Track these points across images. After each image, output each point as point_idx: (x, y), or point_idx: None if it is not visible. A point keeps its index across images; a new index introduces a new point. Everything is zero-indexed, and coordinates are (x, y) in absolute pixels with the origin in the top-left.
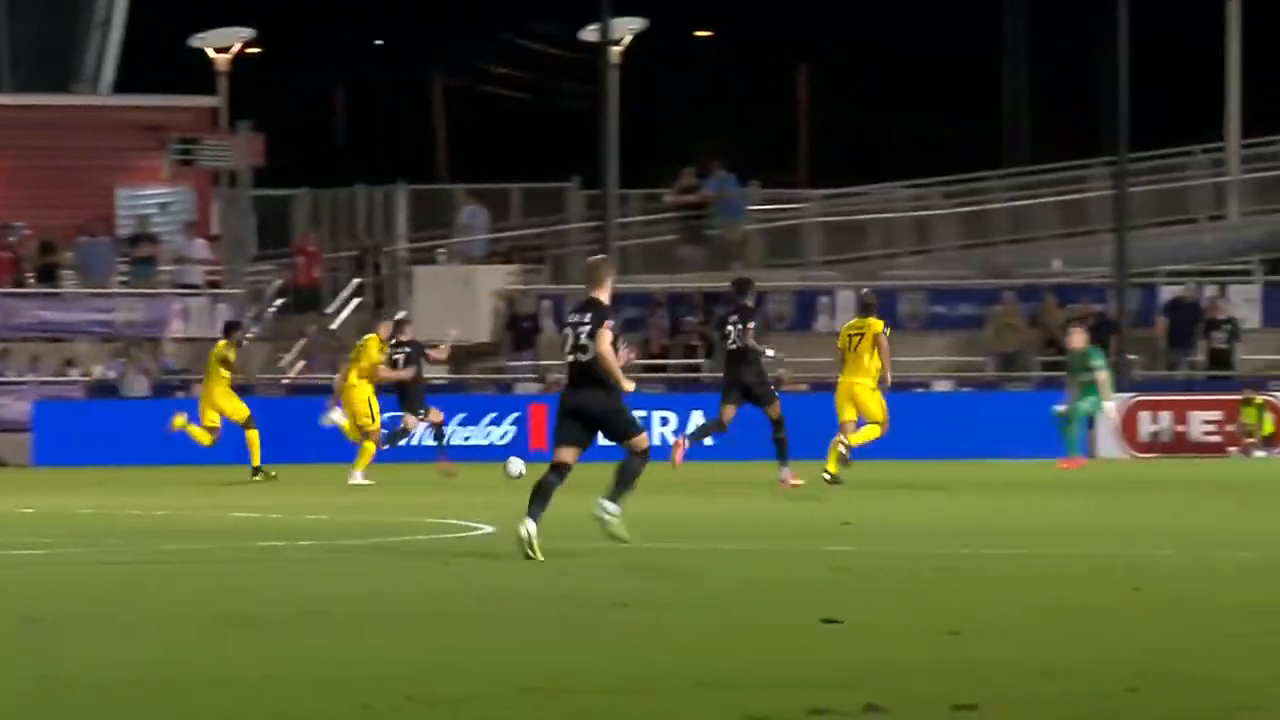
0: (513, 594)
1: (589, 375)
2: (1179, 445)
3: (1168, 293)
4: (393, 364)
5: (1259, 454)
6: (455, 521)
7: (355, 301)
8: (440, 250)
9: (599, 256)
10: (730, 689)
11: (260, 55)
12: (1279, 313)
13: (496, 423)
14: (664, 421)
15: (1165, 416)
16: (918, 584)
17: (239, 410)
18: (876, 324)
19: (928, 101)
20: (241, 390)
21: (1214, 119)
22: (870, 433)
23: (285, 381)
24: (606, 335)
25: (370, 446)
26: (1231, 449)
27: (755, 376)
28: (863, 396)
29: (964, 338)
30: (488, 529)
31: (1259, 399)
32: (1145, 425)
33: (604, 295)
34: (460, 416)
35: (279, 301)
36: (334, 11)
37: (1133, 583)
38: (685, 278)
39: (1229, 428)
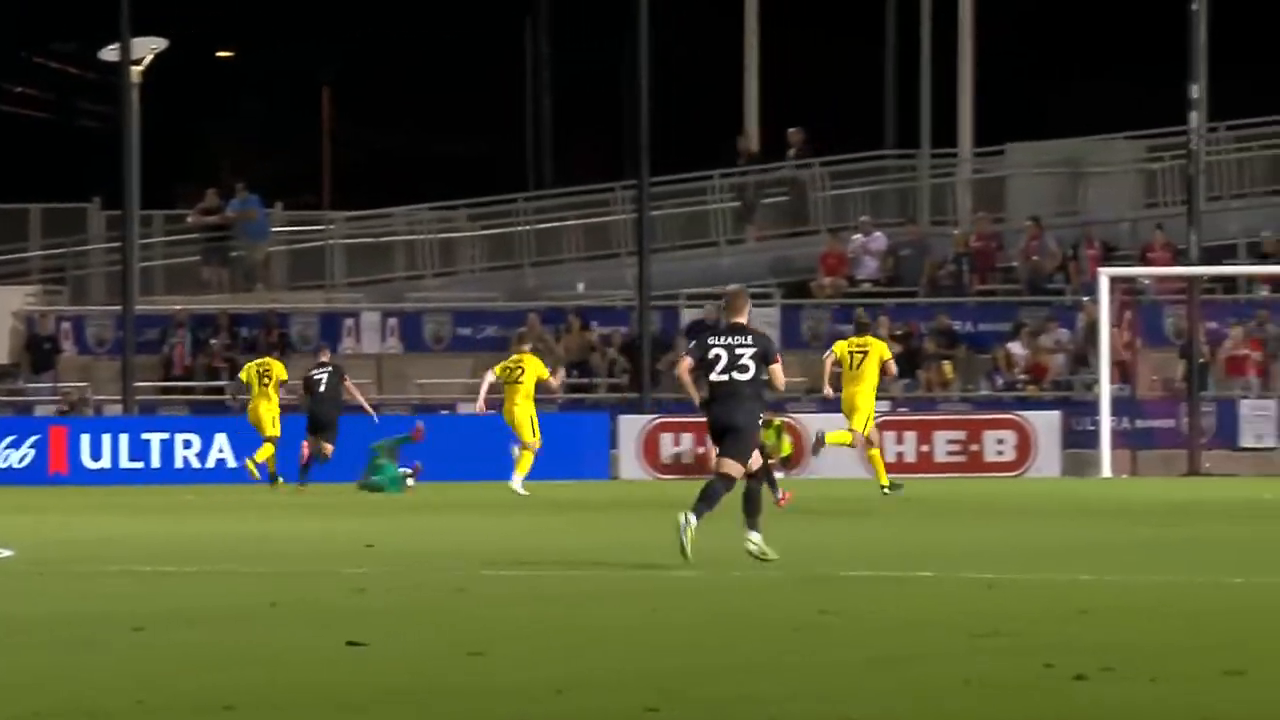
0: (27, 618)
1: (744, 394)
2: (700, 466)
3: (689, 315)
4: (312, 384)
5: (778, 475)
6: None
7: None
8: None
9: (736, 286)
10: (253, 712)
11: None
12: (797, 335)
13: (15, 445)
14: (187, 445)
15: (686, 438)
16: (440, 605)
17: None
18: (883, 348)
19: (452, 124)
20: None
21: (732, 144)
22: (842, 437)
23: None
24: (779, 361)
25: (529, 456)
26: None
27: None
28: (862, 404)
29: (489, 359)
30: (5, 553)
31: (778, 421)
32: (667, 447)
33: (745, 321)
34: None
35: None
36: None
37: (652, 603)
38: (208, 299)
39: None
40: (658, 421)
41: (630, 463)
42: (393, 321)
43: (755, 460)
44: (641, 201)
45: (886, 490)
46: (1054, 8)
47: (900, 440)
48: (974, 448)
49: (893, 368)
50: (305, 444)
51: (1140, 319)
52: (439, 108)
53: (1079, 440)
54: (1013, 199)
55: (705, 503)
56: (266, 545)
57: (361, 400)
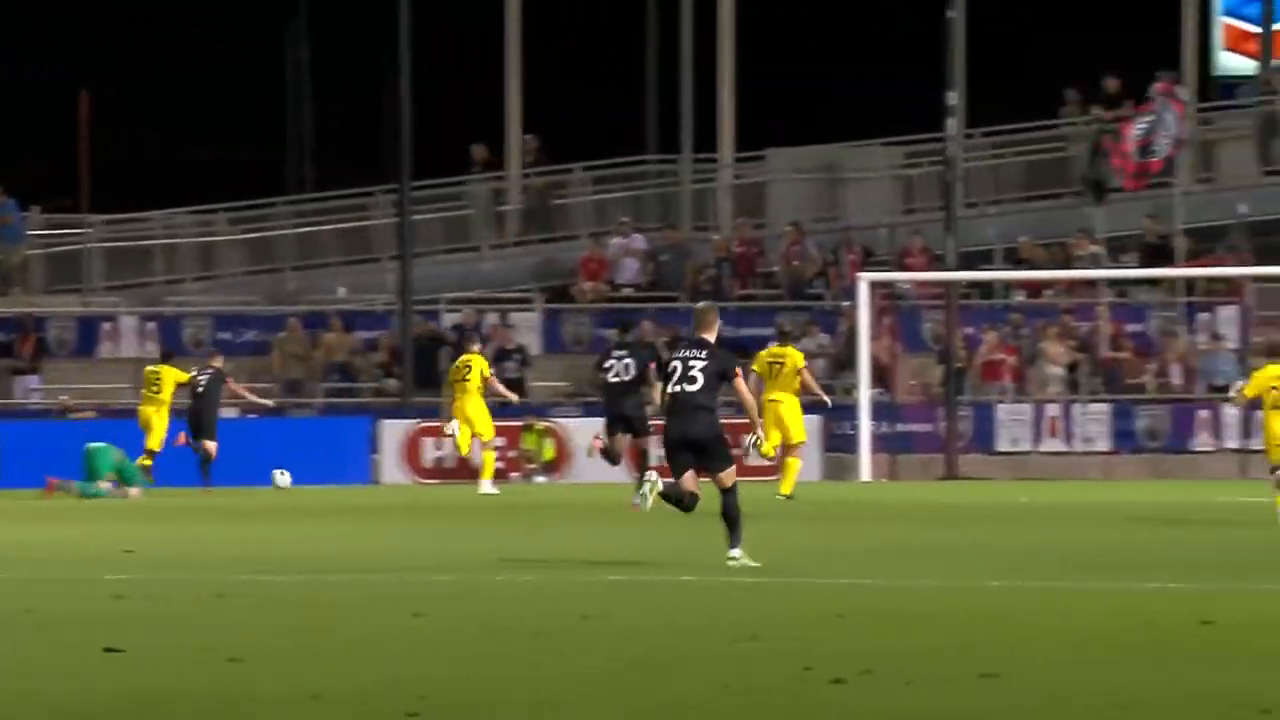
0: None
1: (694, 405)
2: (463, 470)
3: (448, 320)
4: (194, 387)
5: (540, 479)
6: None
7: None
8: None
9: (707, 303)
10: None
11: None
12: (559, 339)
13: None
14: None
15: (449, 443)
16: (199, 611)
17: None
18: (798, 357)
19: (212, 128)
20: None
21: (496, 150)
22: (792, 466)
23: None
24: (740, 377)
25: (490, 457)
26: (514, 474)
27: (636, 409)
28: (788, 416)
29: (249, 364)
30: None
31: (540, 425)
32: (429, 451)
33: (712, 336)
34: None
35: None
36: None
37: (413, 608)
38: None
39: (511, 454)
40: (420, 426)
41: (392, 467)
42: (151, 325)
43: (730, 477)
44: (403, 205)
45: (786, 498)
46: (814, 14)
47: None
48: (734, 451)
49: (808, 376)
50: (181, 436)
51: (899, 324)
52: (198, 112)
53: (839, 444)
54: (773, 204)
55: (734, 528)
56: (23, 551)
57: (253, 398)
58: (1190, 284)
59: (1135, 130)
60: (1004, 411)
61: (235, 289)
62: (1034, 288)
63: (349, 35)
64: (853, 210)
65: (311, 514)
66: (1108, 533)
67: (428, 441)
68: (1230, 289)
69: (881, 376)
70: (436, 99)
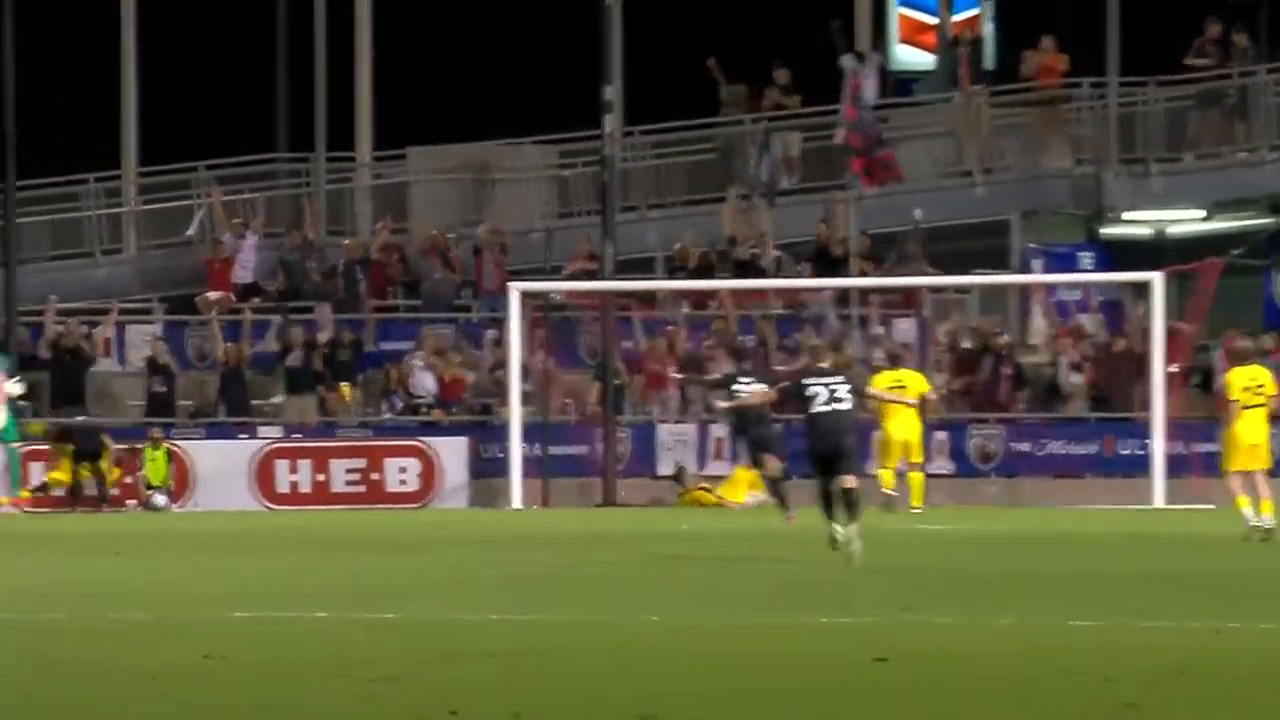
0: None
1: (847, 423)
2: (82, 499)
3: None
4: None
5: (161, 501)
6: None
7: None
8: None
9: (828, 338)
10: None
11: None
12: (184, 353)
13: None
14: None
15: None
16: None
17: None
18: (921, 384)
19: None
20: None
21: (111, 147)
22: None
23: None
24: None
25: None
26: (131, 501)
27: (768, 432)
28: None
29: None
30: None
31: (164, 447)
32: (36, 477)
33: (829, 363)
34: None
35: None
36: None
37: (20, 646)
38: None
39: (128, 480)
40: (26, 449)
41: None
42: None
43: (852, 480)
44: (8, 207)
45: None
46: (457, 2)
47: (295, 470)
48: (375, 476)
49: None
50: None
51: (553, 337)
52: None
53: (488, 469)
54: (416, 207)
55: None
56: None
57: None
58: (864, 294)
59: (860, 123)
60: (666, 432)
61: None
62: (698, 298)
63: None
64: (503, 213)
65: None
66: (771, 567)
67: (35, 466)
68: (906, 299)
69: (535, 394)
70: (47, 92)
